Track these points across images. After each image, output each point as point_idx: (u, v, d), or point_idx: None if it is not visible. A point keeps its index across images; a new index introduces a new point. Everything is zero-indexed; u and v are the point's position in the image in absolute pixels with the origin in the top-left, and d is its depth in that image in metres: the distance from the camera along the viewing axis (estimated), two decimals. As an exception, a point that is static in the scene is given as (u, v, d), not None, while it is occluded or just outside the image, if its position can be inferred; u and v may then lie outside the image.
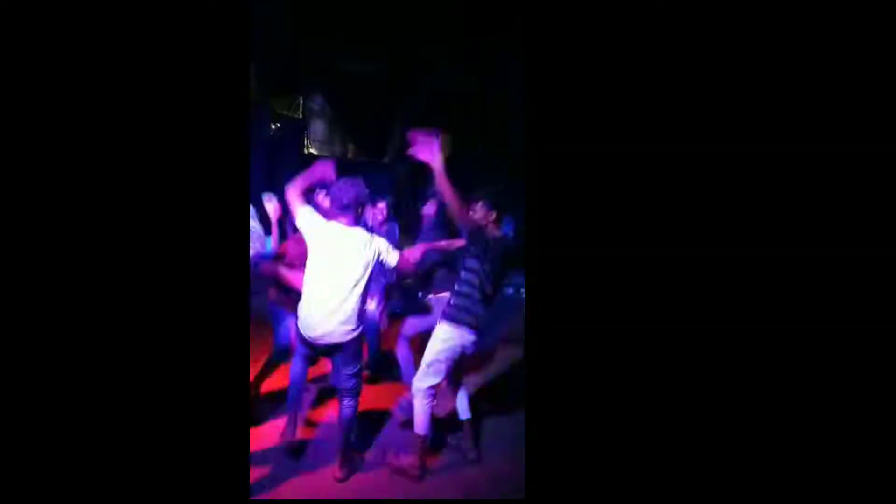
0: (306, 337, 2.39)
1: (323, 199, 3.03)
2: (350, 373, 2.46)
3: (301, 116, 7.73)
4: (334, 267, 2.34)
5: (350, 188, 2.35)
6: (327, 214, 2.43)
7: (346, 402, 2.48)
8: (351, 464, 2.52)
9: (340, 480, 2.46)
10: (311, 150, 7.67)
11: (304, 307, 2.38)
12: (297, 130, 7.43)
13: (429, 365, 2.53)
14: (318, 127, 7.63)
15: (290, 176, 3.66)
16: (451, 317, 2.55)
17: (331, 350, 2.41)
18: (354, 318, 2.36)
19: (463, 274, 2.59)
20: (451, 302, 2.59)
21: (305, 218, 2.37)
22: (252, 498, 1.82)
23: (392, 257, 2.43)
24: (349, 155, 7.88)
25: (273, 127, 7.13)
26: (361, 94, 7.46)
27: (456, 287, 2.60)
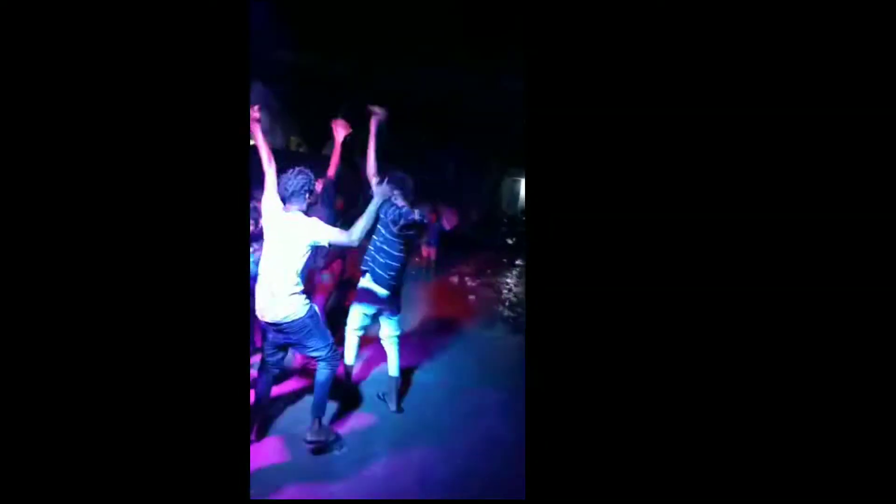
0: (261, 321, 2.59)
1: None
2: (312, 351, 2.68)
3: (239, 106, 7.46)
4: (272, 252, 2.54)
5: (295, 177, 2.55)
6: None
7: (320, 366, 2.71)
8: (323, 434, 2.71)
9: (309, 442, 2.64)
10: (253, 142, 7.41)
11: (257, 291, 2.57)
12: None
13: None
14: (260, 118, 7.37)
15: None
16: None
17: (284, 333, 2.60)
18: (294, 301, 2.54)
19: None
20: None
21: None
22: (252, 498, 1.80)
23: (326, 235, 2.59)
24: (290, 146, 7.68)
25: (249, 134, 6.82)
26: (303, 86, 7.30)
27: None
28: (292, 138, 7.57)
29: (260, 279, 2.54)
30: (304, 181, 2.56)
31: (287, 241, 2.51)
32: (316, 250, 2.78)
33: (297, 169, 2.58)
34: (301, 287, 2.57)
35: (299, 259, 2.53)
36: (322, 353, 2.68)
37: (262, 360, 2.73)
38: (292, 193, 2.53)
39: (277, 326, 2.58)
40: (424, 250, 7.24)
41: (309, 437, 2.65)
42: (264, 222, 2.56)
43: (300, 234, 2.50)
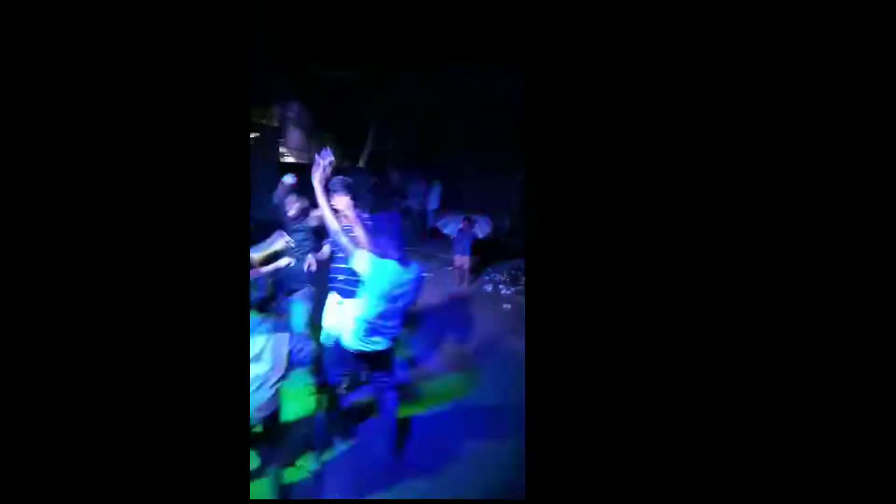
0: (353, 351, 2.67)
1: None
2: (389, 380, 2.86)
3: (276, 125, 7.70)
4: (389, 300, 2.59)
5: (393, 225, 2.66)
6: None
7: (392, 396, 2.89)
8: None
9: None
10: (288, 159, 7.66)
11: (354, 329, 2.66)
12: (273, 139, 7.44)
13: None
14: (293, 135, 7.61)
15: (268, 185, 3.73)
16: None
17: (374, 360, 2.73)
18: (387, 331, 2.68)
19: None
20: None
21: (363, 262, 2.59)
22: (252, 498, 1.81)
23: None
24: (327, 153, 7.86)
25: (250, 137, 7.10)
26: (336, 101, 7.48)
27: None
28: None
29: (360, 317, 2.62)
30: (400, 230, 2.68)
31: (398, 290, 2.61)
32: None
33: (390, 216, 2.75)
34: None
35: (408, 303, 2.71)
36: (394, 381, 2.91)
37: (337, 395, 2.92)
38: (397, 246, 2.62)
39: (369, 356, 2.70)
40: (458, 259, 7.20)
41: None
42: (365, 273, 2.58)
43: (412, 281, 2.65)
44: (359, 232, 2.81)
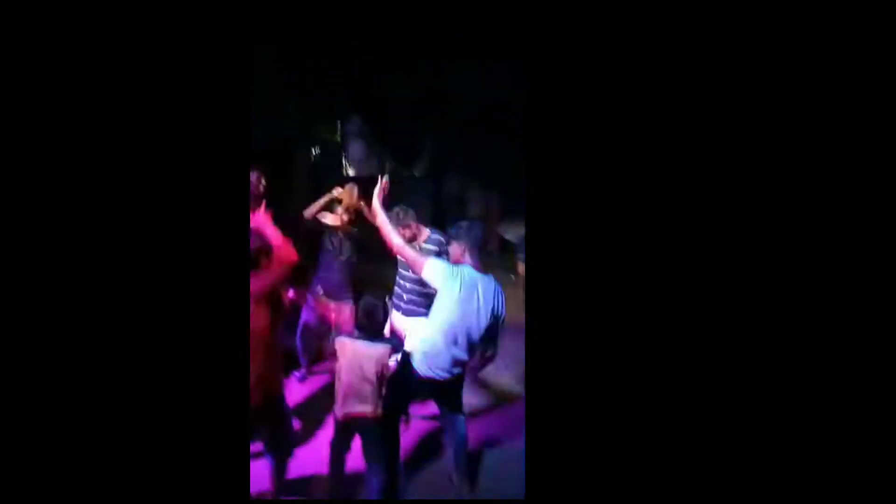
0: (423, 375, 2.44)
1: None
2: (456, 406, 2.64)
3: (340, 140, 7.98)
4: (469, 313, 2.39)
5: (476, 233, 2.53)
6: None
7: (462, 419, 2.67)
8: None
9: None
10: (350, 171, 7.94)
11: (433, 348, 2.42)
12: (337, 153, 7.73)
13: None
14: (356, 148, 7.89)
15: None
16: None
17: (442, 388, 2.51)
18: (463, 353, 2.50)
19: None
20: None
21: (435, 271, 2.40)
22: (252, 497, 1.82)
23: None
24: (385, 172, 8.05)
25: (314, 152, 7.40)
26: (395, 113, 7.64)
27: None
28: (386, 164, 7.97)
29: (442, 335, 2.41)
30: (479, 237, 2.56)
31: (478, 302, 2.43)
32: None
33: (473, 223, 2.62)
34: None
35: (488, 321, 2.51)
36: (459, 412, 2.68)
37: (398, 420, 2.56)
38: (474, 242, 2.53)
39: (443, 380, 2.48)
40: (521, 268, 6.98)
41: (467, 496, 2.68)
42: (440, 283, 2.41)
43: (493, 295, 2.49)
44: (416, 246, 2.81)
